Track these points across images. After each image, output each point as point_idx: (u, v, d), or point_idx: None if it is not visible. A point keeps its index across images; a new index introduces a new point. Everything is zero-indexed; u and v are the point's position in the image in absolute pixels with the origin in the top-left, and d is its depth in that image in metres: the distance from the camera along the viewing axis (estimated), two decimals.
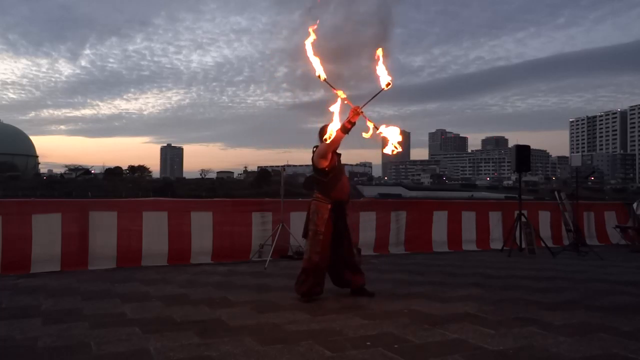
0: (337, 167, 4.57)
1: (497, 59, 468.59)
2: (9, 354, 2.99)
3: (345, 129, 4.32)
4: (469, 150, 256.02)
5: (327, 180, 4.55)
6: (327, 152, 4.43)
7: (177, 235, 6.68)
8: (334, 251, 4.62)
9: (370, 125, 4.35)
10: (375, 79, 4.44)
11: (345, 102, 4.41)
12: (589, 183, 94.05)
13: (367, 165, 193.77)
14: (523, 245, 8.16)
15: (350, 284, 4.71)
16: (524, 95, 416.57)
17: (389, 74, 4.39)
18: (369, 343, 3.18)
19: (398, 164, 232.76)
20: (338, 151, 4.65)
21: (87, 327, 3.51)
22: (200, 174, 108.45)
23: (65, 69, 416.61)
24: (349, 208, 4.76)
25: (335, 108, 4.44)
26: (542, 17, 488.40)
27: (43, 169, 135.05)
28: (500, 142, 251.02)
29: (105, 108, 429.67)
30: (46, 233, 5.99)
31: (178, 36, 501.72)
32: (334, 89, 4.41)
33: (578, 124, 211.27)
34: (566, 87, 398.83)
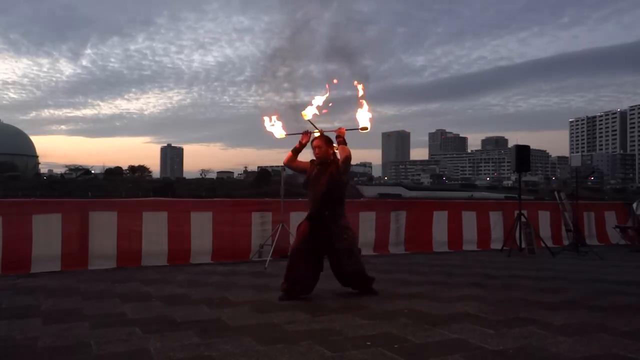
0: (312, 177, 4.66)
1: (500, 58, 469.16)
2: (9, 354, 2.99)
3: (295, 150, 4.77)
4: (469, 150, 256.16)
5: (307, 192, 4.77)
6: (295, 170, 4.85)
7: (177, 235, 6.68)
8: (331, 259, 4.70)
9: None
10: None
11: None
12: (589, 183, 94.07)
13: (367, 165, 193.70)
14: (523, 245, 8.16)
15: (352, 286, 4.77)
16: (525, 95, 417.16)
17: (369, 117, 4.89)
18: (369, 343, 3.18)
19: (398, 164, 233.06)
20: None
21: (87, 327, 3.51)
22: (200, 174, 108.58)
23: (67, 68, 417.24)
24: (335, 216, 4.61)
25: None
26: (545, 16, 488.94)
27: (43, 169, 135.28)
28: (500, 142, 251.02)
29: (106, 108, 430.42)
30: (46, 233, 5.99)
31: (180, 36, 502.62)
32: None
33: (578, 124, 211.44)
34: (568, 87, 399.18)
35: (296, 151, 4.78)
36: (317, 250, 4.60)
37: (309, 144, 4.79)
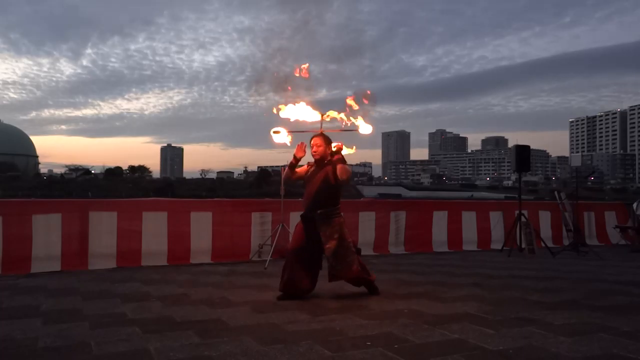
0: (307, 177, 4.64)
1: (501, 58, 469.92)
2: (9, 354, 2.99)
3: (291, 165, 4.64)
4: (469, 150, 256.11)
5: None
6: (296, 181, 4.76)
7: (177, 235, 6.67)
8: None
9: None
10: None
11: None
12: (589, 183, 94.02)
13: (367, 165, 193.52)
14: (523, 245, 8.16)
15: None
16: (526, 95, 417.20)
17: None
18: (369, 343, 3.18)
19: (398, 164, 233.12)
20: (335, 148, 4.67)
21: (87, 327, 3.51)
22: (200, 174, 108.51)
23: (67, 68, 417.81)
24: (327, 216, 4.53)
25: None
26: (547, 16, 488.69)
27: (43, 169, 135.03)
28: (500, 142, 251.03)
29: (107, 108, 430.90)
30: (46, 233, 5.99)
31: (180, 35, 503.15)
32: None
33: (578, 124, 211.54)
34: (569, 87, 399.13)
35: (292, 166, 4.64)
36: (313, 249, 4.58)
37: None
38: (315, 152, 4.63)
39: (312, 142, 4.67)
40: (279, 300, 4.45)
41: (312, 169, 4.66)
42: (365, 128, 4.91)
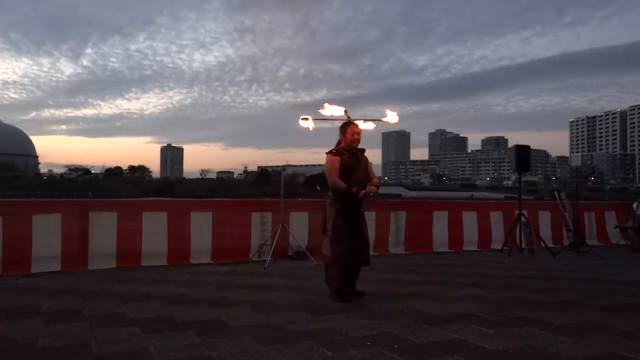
0: (350, 165, 4.62)
1: (502, 58, 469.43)
2: (9, 354, 2.99)
3: (347, 194, 4.55)
4: (469, 150, 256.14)
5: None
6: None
7: (177, 235, 6.67)
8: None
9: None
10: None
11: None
12: (589, 183, 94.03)
13: None
14: (523, 245, 8.16)
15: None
16: (527, 95, 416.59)
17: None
18: (369, 343, 3.19)
19: (398, 164, 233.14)
20: (360, 146, 4.77)
21: (87, 327, 3.51)
22: (200, 174, 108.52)
23: (67, 68, 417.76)
24: (364, 205, 4.76)
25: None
26: (548, 15, 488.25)
27: (43, 169, 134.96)
28: (500, 142, 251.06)
29: (107, 108, 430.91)
30: (46, 233, 5.98)
31: (181, 35, 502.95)
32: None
33: (578, 124, 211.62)
34: (570, 87, 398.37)
35: (345, 191, 4.55)
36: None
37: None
38: (357, 139, 4.74)
39: (352, 130, 4.71)
40: (341, 301, 4.36)
41: (351, 159, 4.64)
42: (392, 116, 5.20)
